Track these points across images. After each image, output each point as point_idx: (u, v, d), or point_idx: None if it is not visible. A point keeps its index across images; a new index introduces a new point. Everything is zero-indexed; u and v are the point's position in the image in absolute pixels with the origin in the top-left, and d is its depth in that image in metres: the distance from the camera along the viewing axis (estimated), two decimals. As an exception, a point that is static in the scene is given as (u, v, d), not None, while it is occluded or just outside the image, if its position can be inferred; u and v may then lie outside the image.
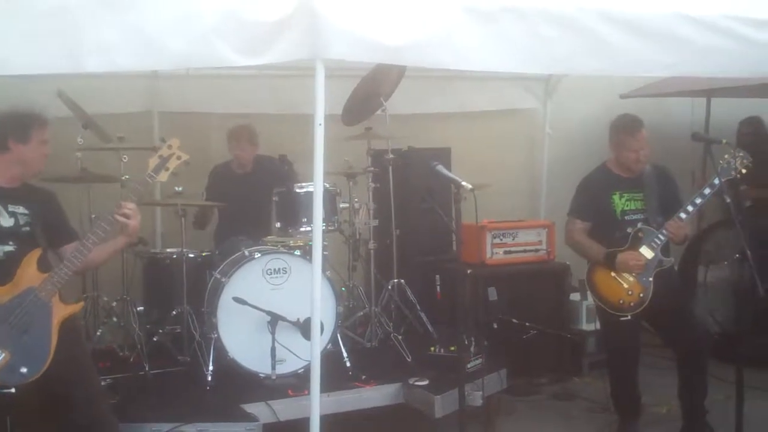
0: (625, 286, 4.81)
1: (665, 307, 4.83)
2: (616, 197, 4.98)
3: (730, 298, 6.00)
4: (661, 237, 4.80)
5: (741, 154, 4.62)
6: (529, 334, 6.09)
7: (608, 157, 5.14)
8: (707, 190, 4.67)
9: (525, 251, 6.46)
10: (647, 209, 4.95)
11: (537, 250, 6.49)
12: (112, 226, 3.75)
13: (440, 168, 3.97)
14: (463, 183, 3.70)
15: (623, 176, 5.04)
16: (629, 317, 4.79)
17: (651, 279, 4.80)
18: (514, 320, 6.04)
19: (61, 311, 3.70)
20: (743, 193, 6.39)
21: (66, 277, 3.66)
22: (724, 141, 4.46)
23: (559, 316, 6.39)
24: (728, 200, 4.16)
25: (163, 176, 3.87)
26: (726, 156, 4.64)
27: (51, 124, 3.89)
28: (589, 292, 5.02)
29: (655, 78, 6.40)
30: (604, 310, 4.87)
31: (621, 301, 4.80)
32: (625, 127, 4.99)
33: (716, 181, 4.55)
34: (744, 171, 4.62)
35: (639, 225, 4.89)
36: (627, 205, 4.98)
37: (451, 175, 3.86)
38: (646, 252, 4.80)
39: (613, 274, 4.84)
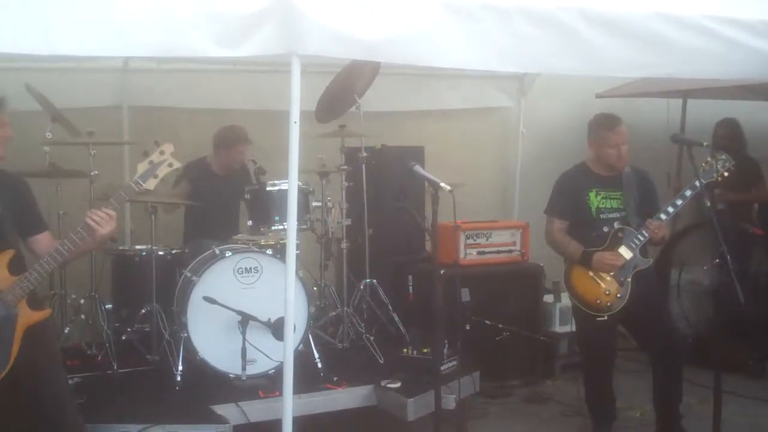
0: (603, 286, 4.79)
1: (641, 309, 4.83)
2: (592, 195, 4.95)
3: (704, 302, 6.01)
4: (640, 237, 4.79)
5: (723, 157, 4.64)
6: (501, 336, 6.06)
7: (587, 157, 5.11)
8: (688, 192, 4.67)
9: (499, 252, 6.41)
10: (625, 209, 4.92)
11: (511, 251, 6.44)
12: (82, 238, 3.56)
13: (418, 168, 3.92)
14: (442, 184, 3.65)
15: (602, 175, 5.01)
16: (606, 318, 4.76)
17: (629, 280, 4.78)
18: (487, 322, 6.01)
19: (26, 318, 3.52)
20: (717, 196, 6.44)
21: (36, 282, 3.50)
22: (704, 143, 4.45)
23: (532, 318, 6.36)
24: (708, 203, 4.14)
25: (151, 184, 3.62)
26: (708, 159, 4.65)
27: (12, 108, 3.68)
28: (566, 292, 4.99)
29: (631, 78, 6.40)
30: (581, 310, 4.84)
31: (598, 301, 4.77)
32: (605, 123, 4.97)
33: (697, 184, 4.53)
34: (726, 174, 4.63)
35: (615, 224, 4.86)
36: (603, 203, 4.94)
37: (429, 175, 3.81)
38: (625, 252, 4.79)
39: (591, 273, 4.82)
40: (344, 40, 3.41)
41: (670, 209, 4.74)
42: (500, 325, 6.05)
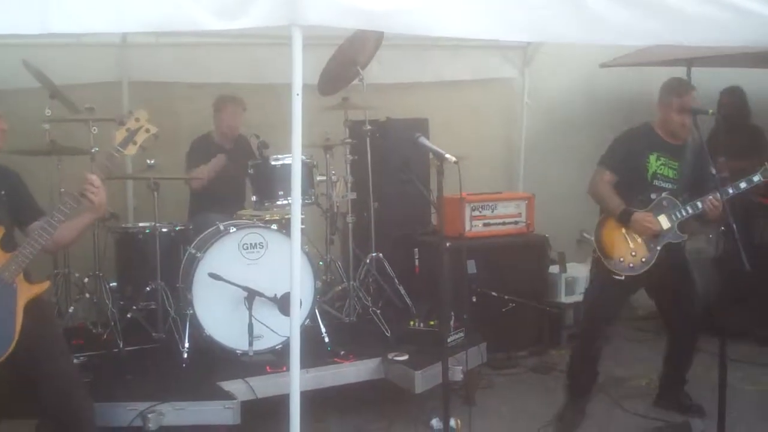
0: (631, 245, 4.72)
1: (668, 283, 4.80)
2: (652, 158, 4.80)
3: (710, 270, 5.99)
4: (684, 212, 4.72)
5: None
6: (508, 307, 6.06)
7: (652, 119, 4.96)
8: (743, 184, 4.67)
9: (504, 224, 6.39)
10: (678, 180, 4.82)
11: (516, 223, 6.43)
12: (78, 203, 3.60)
13: (423, 140, 3.87)
14: (447, 156, 3.60)
15: (666, 140, 4.85)
16: (623, 278, 4.70)
17: (659, 248, 4.72)
18: (494, 293, 6.00)
19: (26, 292, 3.57)
20: (722, 165, 6.40)
21: (31, 256, 3.52)
22: (710, 111, 4.42)
23: (538, 289, 6.36)
24: (714, 172, 4.09)
25: (131, 150, 3.70)
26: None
27: (10, 86, 3.68)
28: (592, 241, 4.83)
29: (635, 47, 6.33)
30: (601, 264, 4.76)
31: (621, 259, 4.70)
32: (676, 88, 4.83)
33: (755, 178, 4.62)
34: None
35: (664, 194, 4.77)
36: (661, 170, 4.81)
37: (434, 147, 3.76)
38: (663, 221, 4.72)
39: (623, 231, 4.73)
40: (346, 10, 3.33)
41: (731, 191, 4.65)
42: (506, 297, 6.06)
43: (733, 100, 7.08)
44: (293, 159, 3.50)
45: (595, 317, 5.00)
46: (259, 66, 6.53)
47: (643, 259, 4.71)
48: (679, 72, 7.50)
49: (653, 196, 4.77)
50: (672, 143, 4.84)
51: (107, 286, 5.53)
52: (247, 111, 6.17)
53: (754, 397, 5.29)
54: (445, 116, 7.02)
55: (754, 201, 6.41)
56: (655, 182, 4.81)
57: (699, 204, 4.70)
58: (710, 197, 4.65)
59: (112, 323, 5.23)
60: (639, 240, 4.73)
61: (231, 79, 6.59)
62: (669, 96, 4.81)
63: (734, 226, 4.00)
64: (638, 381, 5.63)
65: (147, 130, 3.73)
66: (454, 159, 3.58)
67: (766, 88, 7.58)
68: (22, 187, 3.84)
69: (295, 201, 3.57)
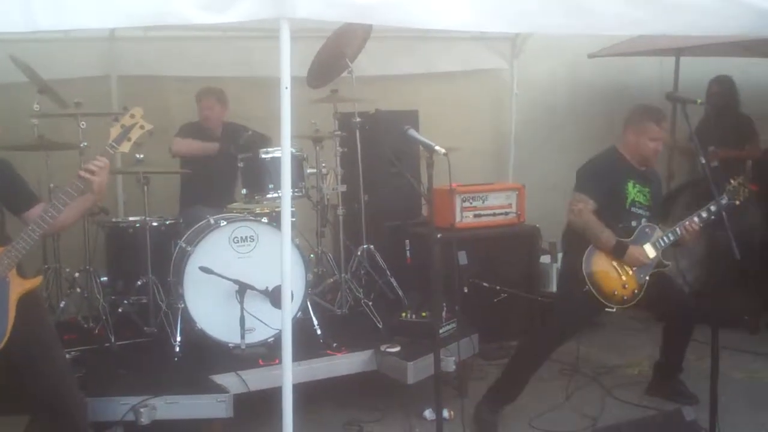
0: (623, 278, 4.68)
1: (654, 289, 4.79)
2: (630, 185, 4.79)
3: (700, 259, 6.02)
4: (667, 239, 4.74)
5: (746, 187, 4.71)
6: (499, 298, 6.08)
7: (618, 142, 4.94)
8: (713, 207, 4.65)
9: (495, 214, 6.39)
10: (651, 207, 4.85)
11: (507, 213, 6.43)
12: (78, 190, 3.57)
13: (412, 132, 3.86)
14: (436, 147, 3.60)
15: (635, 167, 4.86)
16: (614, 309, 4.70)
17: (647, 278, 4.73)
18: (485, 284, 6.02)
19: (18, 287, 3.55)
20: (712, 154, 6.44)
21: (24, 250, 3.50)
22: (698, 101, 4.41)
23: (529, 279, 6.37)
24: (703, 161, 4.11)
25: (125, 147, 3.68)
26: (732, 182, 4.72)
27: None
28: (585, 279, 4.62)
29: (623, 37, 6.34)
30: (593, 296, 4.64)
31: (615, 292, 4.65)
32: (653, 115, 4.80)
33: (723, 201, 4.62)
34: (737, 203, 4.72)
35: (643, 221, 4.78)
36: (637, 197, 4.82)
37: (423, 139, 3.75)
38: (649, 250, 4.72)
39: (614, 263, 4.68)
40: (335, 3, 3.34)
41: (705, 215, 4.69)
42: (498, 287, 6.08)
43: (723, 90, 7.09)
44: (283, 152, 3.51)
45: (565, 333, 4.87)
46: (248, 59, 6.51)
47: (635, 291, 4.71)
48: (668, 62, 7.55)
49: (633, 223, 4.78)
50: (640, 169, 4.87)
51: (98, 281, 5.50)
52: (236, 104, 6.18)
53: (743, 384, 5.33)
54: (434, 108, 7.02)
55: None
56: (633, 209, 4.82)
57: (678, 230, 4.73)
58: (687, 222, 4.70)
59: (104, 318, 5.22)
60: (630, 272, 4.71)
61: (219, 72, 6.58)
62: (646, 122, 4.80)
63: (724, 213, 4.02)
64: (631, 369, 5.67)
65: (142, 127, 3.70)
66: (443, 151, 3.58)
67: (755, 77, 7.61)
68: (13, 174, 3.77)
69: (285, 194, 3.58)
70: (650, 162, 4.89)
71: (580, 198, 4.74)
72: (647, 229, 4.77)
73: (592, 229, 4.69)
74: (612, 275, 4.67)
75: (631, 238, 4.72)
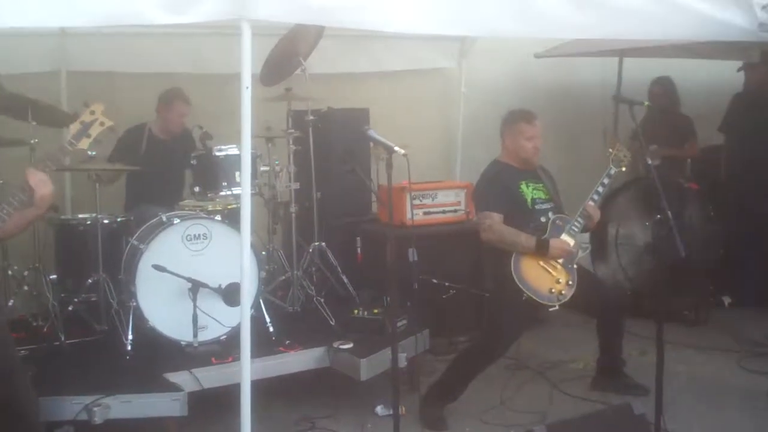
0: (554, 274, 4.76)
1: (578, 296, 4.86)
2: (523, 186, 4.95)
3: (642, 256, 6.17)
4: (578, 224, 4.84)
5: (623, 151, 4.87)
6: (448, 294, 6.15)
7: (499, 155, 5.13)
8: (606, 180, 4.86)
9: (444, 212, 6.49)
10: (552, 199, 5.00)
11: (456, 211, 6.54)
12: (21, 202, 3.49)
13: (372, 132, 3.93)
14: (396, 148, 3.67)
15: (521, 169, 5.02)
16: (557, 307, 4.75)
17: (575, 267, 4.83)
18: (434, 280, 6.09)
19: None
20: (654, 153, 6.61)
21: None
22: (645, 102, 4.57)
23: (477, 275, 6.44)
24: (649, 161, 4.26)
25: (84, 143, 3.64)
26: (611, 150, 4.91)
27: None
28: (521, 287, 4.68)
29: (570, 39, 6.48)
30: (533, 301, 4.69)
31: (552, 290, 4.73)
32: (523, 116, 4.99)
33: (612, 172, 4.83)
34: (623, 169, 4.91)
35: (550, 214, 4.90)
36: (535, 194, 4.96)
37: (382, 139, 3.82)
38: (568, 239, 4.82)
39: (541, 263, 4.76)
40: (295, 5, 3.37)
41: (600, 190, 4.86)
42: (447, 284, 6.15)
43: (663, 90, 7.30)
44: (242, 151, 3.54)
45: (505, 341, 4.87)
46: (203, 56, 6.50)
47: (570, 282, 4.78)
48: (611, 62, 7.72)
49: (543, 219, 4.90)
50: (527, 170, 5.02)
51: (47, 279, 5.44)
52: (191, 100, 6.14)
53: (684, 377, 5.46)
54: (385, 106, 7.08)
55: (684, 186, 6.63)
56: (537, 207, 4.95)
57: (582, 212, 4.85)
58: (587, 204, 4.85)
59: (53, 316, 5.16)
60: (558, 266, 4.80)
61: (173, 69, 6.53)
62: (518, 123, 4.99)
63: (669, 213, 4.16)
64: (575, 364, 5.79)
65: (102, 123, 3.66)
66: (403, 152, 3.66)
67: (694, 78, 7.83)
68: None
69: (244, 193, 3.60)
70: (532, 162, 5.03)
71: (486, 215, 4.87)
72: (558, 221, 4.88)
73: (508, 237, 4.78)
74: (543, 275, 4.76)
75: (547, 233, 4.84)
